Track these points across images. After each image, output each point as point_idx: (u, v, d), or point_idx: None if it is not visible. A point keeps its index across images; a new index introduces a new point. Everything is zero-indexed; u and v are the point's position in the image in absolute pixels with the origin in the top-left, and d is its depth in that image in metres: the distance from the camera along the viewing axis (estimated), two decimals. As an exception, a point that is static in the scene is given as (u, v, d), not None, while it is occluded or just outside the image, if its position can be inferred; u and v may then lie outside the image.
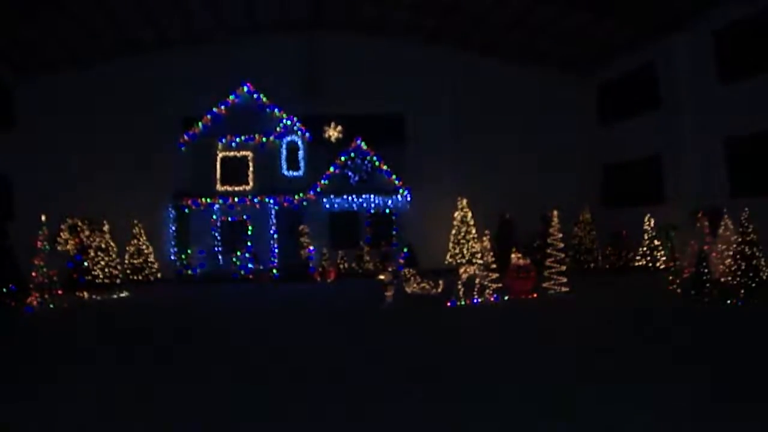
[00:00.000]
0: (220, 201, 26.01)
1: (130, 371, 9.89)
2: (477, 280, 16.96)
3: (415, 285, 17.36)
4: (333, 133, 27.95)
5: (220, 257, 26.11)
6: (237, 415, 7.27)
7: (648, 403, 7.33)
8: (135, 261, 25.26)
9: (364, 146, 27.09)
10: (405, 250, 25.36)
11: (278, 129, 26.54)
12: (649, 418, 6.80)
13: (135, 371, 9.89)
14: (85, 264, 20.84)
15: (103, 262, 21.34)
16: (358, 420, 6.95)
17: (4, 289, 17.25)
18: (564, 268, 18.27)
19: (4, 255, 18.44)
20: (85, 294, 19.92)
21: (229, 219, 26.58)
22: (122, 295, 20.78)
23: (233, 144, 26.50)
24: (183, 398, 8.16)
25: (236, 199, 25.97)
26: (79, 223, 21.37)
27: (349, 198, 27.01)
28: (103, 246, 21.83)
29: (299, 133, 26.84)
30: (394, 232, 27.33)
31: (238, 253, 26.29)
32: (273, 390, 8.33)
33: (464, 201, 26.76)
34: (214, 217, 26.38)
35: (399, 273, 17.66)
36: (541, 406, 7.36)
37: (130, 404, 7.94)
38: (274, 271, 25.25)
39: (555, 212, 18.65)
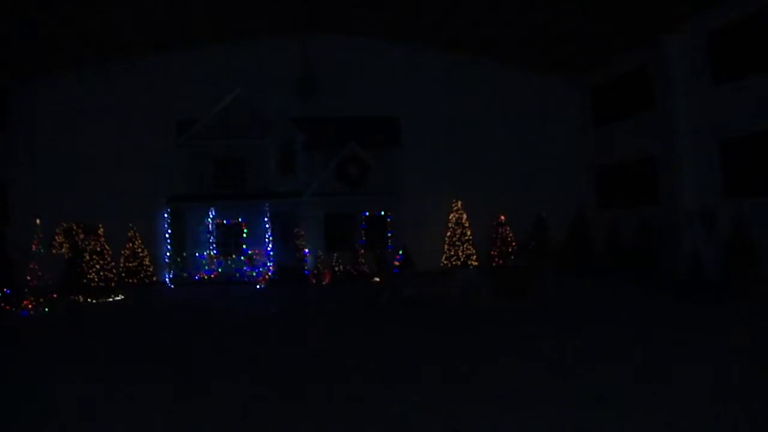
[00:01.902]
0: (216, 204, 25.98)
1: (121, 373, 9.91)
2: (472, 282, 17.03)
3: (410, 287, 17.43)
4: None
5: (215, 260, 26.09)
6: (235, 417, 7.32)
7: (647, 403, 7.38)
8: (130, 264, 25.23)
9: (359, 149, 27.05)
10: (400, 252, 25.39)
11: (273, 132, 26.52)
12: (649, 418, 6.85)
13: (126, 373, 9.91)
14: (80, 268, 20.82)
15: (98, 266, 21.31)
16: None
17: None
18: (559, 269, 18.35)
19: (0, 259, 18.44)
20: (80, 297, 19.92)
21: (225, 222, 26.57)
22: (117, 298, 20.77)
23: (228, 147, 26.48)
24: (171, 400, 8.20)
25: (231, 202, 25.94)
26: (74, 227, 21.36)
27: (344, 200, 26.96)
28: (98, 249, 21.80)
29: (294, 135, 26.82)
30: (389, 235, 27.32)
31: (234, 256, 26.29)
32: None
33: (459, 203, 26.83)
34: (210, 219, 26.36)
35: (394, 275, 17.71)
36: (535, 404, 7.40)
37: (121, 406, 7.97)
38: (270, 273, 25.25)
39: (550, 214, 18.72)
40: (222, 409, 7.69)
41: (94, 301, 19.97)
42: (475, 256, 26.15)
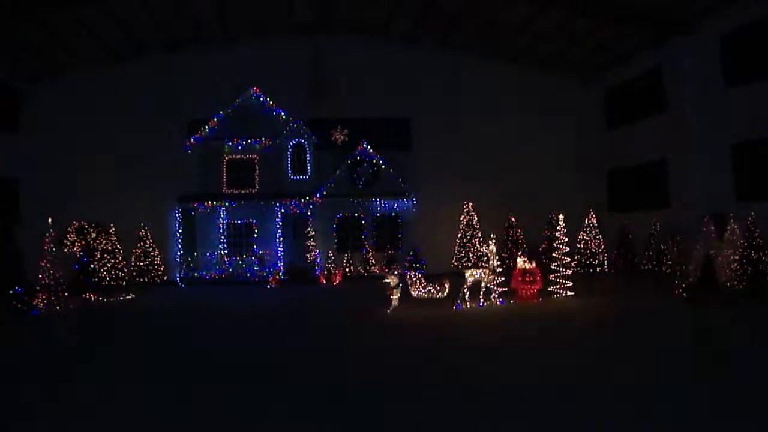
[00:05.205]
0: (227, 204, 26.02)
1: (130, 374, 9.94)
2: (482, 284, 16.96)
3: (420, 288, 17.37)
4: (339, 136, 27.94)
5: (226, 260, 26.13)
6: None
7: (649, 405, 7.34)
8: (141, 263, 25.27)
9: (370, 150, 27.05)
10: (411, 253, 25.36)
11: (285, 132, 26.55)
12: (651, 419, 6.82)
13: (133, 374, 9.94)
14: (92, 266, 20.89)
15: (109, 265, 21.38)
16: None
17: (11, 291, 17.30)
18: (570, 272, 18.25)
19: (11, 257, 18.51)
20: (91, 296, 19.98)
21: (236, 222, 26.61)
22: (128, 297, 20.83)
23: (240, 147, 26.54)
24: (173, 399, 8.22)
25: (242, 202, 25.98)
26: (86, 226, 21.44)
27: (355, 201, 26.97)
28: (109, 248, 21.87)
29: (305, 136, 26.85)
30: (399, 236, 27.32)
31: (245, 256, 26.32)
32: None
33: (470, 205, 26.74)
34: (221, 219, 26.41)
35: (404, 276, 17.66)
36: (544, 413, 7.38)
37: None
38: (280, 273, 25.26)
39: (561, 216, 18.62)
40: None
41: (104, 300, 20.04)
42: (485, 258, 26.04)
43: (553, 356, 10.39)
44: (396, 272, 17.38)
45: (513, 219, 26.31)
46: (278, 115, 26.59)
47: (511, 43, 27.20)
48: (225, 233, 26.49)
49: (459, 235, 26.85)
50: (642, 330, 12.72)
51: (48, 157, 26.17)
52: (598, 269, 24.43)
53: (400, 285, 16.57)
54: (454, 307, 16.26)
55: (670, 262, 22.36)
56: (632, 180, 26.54)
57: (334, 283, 24.65)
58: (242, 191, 26.37)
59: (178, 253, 25.71)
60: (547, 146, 28.87)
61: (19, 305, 17.34)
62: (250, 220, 26.65)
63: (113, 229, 22.92)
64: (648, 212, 24.23)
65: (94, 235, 21.51)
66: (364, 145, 27.04)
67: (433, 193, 27.59)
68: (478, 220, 26.62)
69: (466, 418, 7.16)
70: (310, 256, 25.84)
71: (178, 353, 11.54)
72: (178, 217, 25.89)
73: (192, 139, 26.21)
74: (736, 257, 15.96)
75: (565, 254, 18.15)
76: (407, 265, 24.54)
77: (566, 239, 18.31)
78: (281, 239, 26.02)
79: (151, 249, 25.54)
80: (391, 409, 7.58)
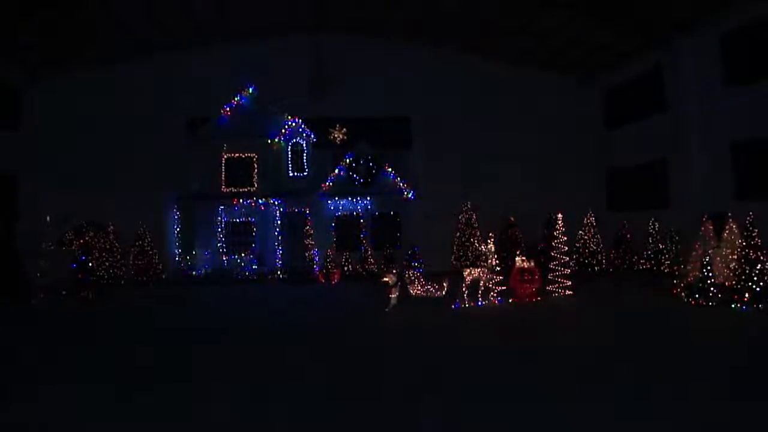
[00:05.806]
0: (225, 202, 25.99)
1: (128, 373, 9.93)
2: (481, 283, 16.96)
3: (419, 287, 17.36)
4: (338, 135, 27.94)
5: (224, 258, 26.07)
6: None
7: (649, 405, 7.34)
8: (139, 262, 25.20)
9: (369, 148, 27.02)
10: (409, 252, 25.33)
11: (283, 131, 26.53)
12: (650, 418, 6.82)
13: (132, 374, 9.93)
14: (90, 265, 20.89)
15: (107, 263, 21.34)
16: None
17: (10, 290, 17.33)
18: (568, 271, 18.24)
19: (10, 255, 18.54)
20: (89, 294, 19.95)
21: (234, 220, 26.56)
22: (126, 295, 20.80)
23: (238, 146, 26.48)
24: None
25: (241, 201, 25.95)
26: (84, 225, 21.43)
27: (354, 200, 26.97)
28: (107, 247, 21.84)
29: (304, 135, 26.82)
30: (398, 235, 27.29)
31: (243, 255, 26.27)
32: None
33: (469, 203, 26.73)
34: (219, 218, 26.37)
35: (403, 275, 17.65)
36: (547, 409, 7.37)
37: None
38: (279, 272, 25.22)
39: (560, 215, 18.62)
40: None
41: (103, 298, 20.01)
42: (484, 257, 25.99)
43: (553, 356, 10.39)
44: (395, 271, 17.37)
45: (512, 218, 26.28)
46: (277, 114, 26.53)
47: (511, 43, 27.18)
48: (223, 232, 26.45)
49: (458, 234, 26.81)
50: (641, 330, 12.72)
51: (47, 155, 26.10)
52: (596, 269, 24.42)
53: (399, 284, 16.57)
54: (453, 306, 16.26)
55: (668, 262, 22.38)
56: (632, 180, 26.55)
57: (333, 282, 24.62)
58: (241, 190, 26.33)
59: (177, 252, 25.67)
60: (547, 146, 28.86)
61: (17, 303, 17.37)
62: (249, 219, 26.61)
63: (111, 227, 22.87)
64: (647, 212, 24.22)
65: (92, 233, 21.49)
66: (364, 144, 27.02)
67: (433, 193, 27.53)
68: (477, 219, 26.58)
69: (466, 418, 7.16)
70: (309, 255, 25.80)
71: (177, 352, 11.54)
72: (177, 215, 25.85)
73: (191, 138, 26.16)
74: (735, 257, 15.93)
75: (564, 253, 18.15)
76: (405, 263, 24.50)
77: (565, 238, 18.31)
78: (280, 238, 25.98)
79: (149, 247, 25.49)
80: (391, 409, 7.58)
